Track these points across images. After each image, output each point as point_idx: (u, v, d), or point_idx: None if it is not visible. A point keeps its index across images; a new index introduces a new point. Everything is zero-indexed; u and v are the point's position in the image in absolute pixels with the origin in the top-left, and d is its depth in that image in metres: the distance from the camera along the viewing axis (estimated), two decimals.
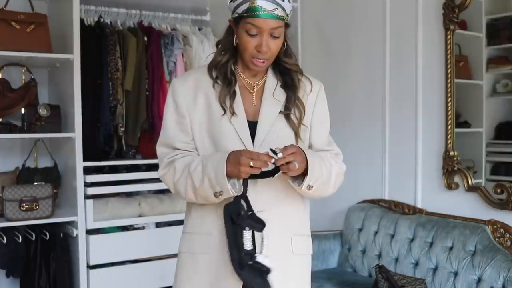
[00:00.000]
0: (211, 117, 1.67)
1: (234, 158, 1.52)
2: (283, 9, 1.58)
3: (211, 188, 1.56)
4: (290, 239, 1.70)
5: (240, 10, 1.58)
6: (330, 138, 1.81)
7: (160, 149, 1.73)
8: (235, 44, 1.66)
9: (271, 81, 1.73)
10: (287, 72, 1.72)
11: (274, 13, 1.56)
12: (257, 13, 1.55)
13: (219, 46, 1.74)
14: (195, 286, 1.68)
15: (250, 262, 1.47)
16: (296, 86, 1.72)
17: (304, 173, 1.58)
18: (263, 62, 1.63)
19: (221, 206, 1.60)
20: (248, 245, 1.48)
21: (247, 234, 1.49)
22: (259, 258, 1.47)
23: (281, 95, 1.71)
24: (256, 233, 1.52)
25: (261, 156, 1.50)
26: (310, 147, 1.75)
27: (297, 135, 1.70)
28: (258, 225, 1.50)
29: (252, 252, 1.48)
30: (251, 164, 1.49)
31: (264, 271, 1.47)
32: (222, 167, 1.52)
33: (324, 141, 1.77)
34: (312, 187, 1.60)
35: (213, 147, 1.66)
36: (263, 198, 1.64)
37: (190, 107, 1.67)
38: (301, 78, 1.75)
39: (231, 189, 1.53)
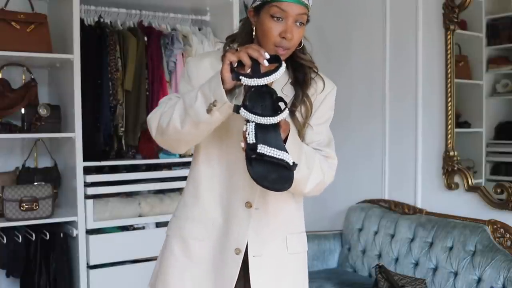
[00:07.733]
0: None
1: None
2: None
3: (204, 103, 1.46)
4: (286, 238, 1.68)
5: None
6: (331, 141, 1.74)
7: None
8: (253, 36, 1.63)
9: (282, 77, 1.64)
10: (300, 69, 1.69)
11: None
12: None
13: (230, 39, 1.70)
14: (186, 273, 1.66)
15: (253, 156, 1.36)
16: (306, 83, 1.69)
17: None
18: (285, 51, 1.59)
19: (217, 195, 1.60)
20: (251, 138, 1.37)
21: (249, 127, 1.38)
22: (261, 149, 1.34)
23: (289, 91, 1.68)
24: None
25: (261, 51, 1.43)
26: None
27: (300, 133, 1.66)
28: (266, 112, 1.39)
29: (254, 146, 1.36)
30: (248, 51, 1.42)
31: (276, 162, 1.34)
32: (217, 76, 1.44)
33: (320, 140, 1.71)
34: None
35: (218, 130, 1.59)
36: (258, 193, 1.61)
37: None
38: (314, 76, 1.72)
39: (224, 95, 1.42)
